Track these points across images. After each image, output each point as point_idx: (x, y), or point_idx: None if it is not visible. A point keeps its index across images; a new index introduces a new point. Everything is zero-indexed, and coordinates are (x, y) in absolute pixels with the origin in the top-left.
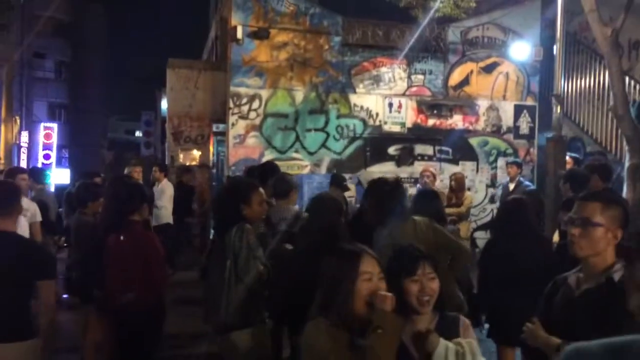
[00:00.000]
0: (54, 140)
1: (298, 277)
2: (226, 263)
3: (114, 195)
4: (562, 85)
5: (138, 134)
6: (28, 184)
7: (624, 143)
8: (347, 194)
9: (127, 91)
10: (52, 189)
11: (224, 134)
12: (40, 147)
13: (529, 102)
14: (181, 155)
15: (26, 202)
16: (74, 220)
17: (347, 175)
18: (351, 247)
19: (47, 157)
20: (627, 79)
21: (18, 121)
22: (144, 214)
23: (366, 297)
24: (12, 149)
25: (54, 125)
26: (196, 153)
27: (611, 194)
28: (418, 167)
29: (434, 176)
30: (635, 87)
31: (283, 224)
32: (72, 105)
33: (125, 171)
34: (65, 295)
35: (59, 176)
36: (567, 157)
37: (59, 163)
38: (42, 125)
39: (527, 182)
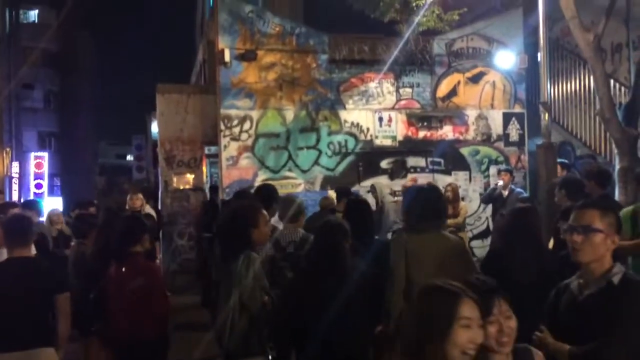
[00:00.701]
0: (45, 169)
1: (299, 301)
2: (232, 291)
3: (113, 228)
4: (549, 91)
5: (129, 157)
6: None
7: (613, 146)
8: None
9: (117, 116)
10: (45, 219)
11: (216, 156)
12: (32, 176)
13: (517, 109)
14: (175, 180)
15: None
16: (73, 251)
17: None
18: (449, 286)
19: (38, 186)
20: (611, 82)
21: (9, 152)
22: (145, 245)
23: (462, 347)
24: (3, 181)
25: (45, 155)
26: (190, 176)
27: (606, 201)
28: (411, 179)
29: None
30: (620, 89)
31: (291, 246)
32: (61, 133)
33: (127, 200)
34: None
35: (52, 205)
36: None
37: (51, 192)
38: (32, 154)
39: (519, 189)
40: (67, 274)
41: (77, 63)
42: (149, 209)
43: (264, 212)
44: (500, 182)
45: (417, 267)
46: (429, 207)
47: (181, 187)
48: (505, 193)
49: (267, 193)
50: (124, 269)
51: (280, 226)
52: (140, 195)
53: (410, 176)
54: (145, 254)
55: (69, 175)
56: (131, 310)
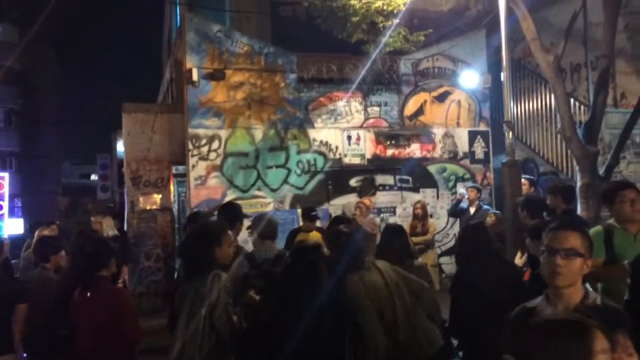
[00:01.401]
0: (6, 189)
1: (271, 320)
2: (200, 311)
3: (80, 252)
4: (512, 109)
5: (94, 177)
6: None
7: (575, 163)
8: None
9: (81, 135)
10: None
11: (184, 175)
12: None
13: (482, 127)
14: (141, 200)
15: None
16: (36, 276)
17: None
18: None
19: None
20: (572, 101)
21: None
22: (111, 269)
23: None
24: None
25: (5, 175)
26: (157, 197)
27: (578, 219)
28: (380, 197)
29: (367, 207)
30: (580, 108)
31: (267, 263)
32: (23, 152)
33: (92, 221)
34: (24, 354)
35: (12, 226)
36: (523, 179)
37: (12, 213)
38: None
39: (486, 206)
40: (27, 289)
41: (40, 81)
42: (112, 230)
43: (229, 232)
44: (462, 190)
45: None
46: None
47: (148, 208)
48: (473, 210)
49: (232, 211)
50: (88, 294)
51: (248, 245)
52: (99, 218)
53: (385, 193)
54: (111, 277)
55: (31, 195)
56: (97, 336)
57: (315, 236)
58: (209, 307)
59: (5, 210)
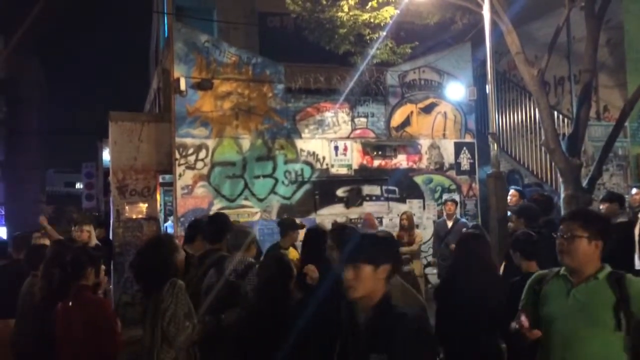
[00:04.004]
0: None
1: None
2: (157, 322)
3: (58, 262)
4: (497, 121)
5: (79, 185)
6: None
7: (559, 175)
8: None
9: (66, 143)
10: None
11: (170, 184)
12: None
13: (468, 139)
14: (127, 209)
15: None
16: (25, 285)
17: (297, 220)
18: None
19: None
20: (555, 113)
21: None
22: (89, 278)
23: None
24: None
25: None
26: (143, 205)
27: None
28: (367, 207)
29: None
30: (564, 121)
31: (233, 275)
32: (7, 161)
33: (73, 230)
34: None
35: None
36: (513, 190)
37: None
38: None
39: (463, 220)
40: None
41: (25, 90)
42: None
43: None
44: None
45: None
46: None
47: (134, 217)
48: (450, 223)
49: (221, 222)
50: (70, 304)
51: None
52: (86, 227)
53: (372, 203)
54: (92, 287)
55: (15, 204)
56: (76, 346)
57: (292, 255)
58: (166, 317)
59: None
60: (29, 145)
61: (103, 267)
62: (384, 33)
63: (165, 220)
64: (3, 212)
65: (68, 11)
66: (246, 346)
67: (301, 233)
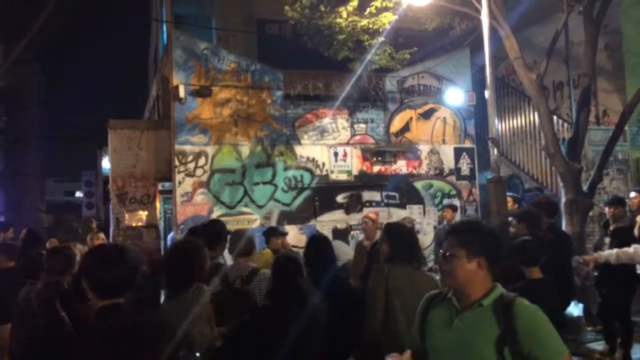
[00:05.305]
0: None
1: (271, 335)
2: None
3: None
4: (497, 127)
5: (78, 194)
6: None
7: (559, 179)
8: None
9: (65, 152)
10: None
11: (170, 192)
12: None
13: (467, 144)
14: (127, 217)
15: None
16: (23, 294)
17: (297, 226)
18: None
19: None
20: (555, 118)
21: None
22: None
23: None
24: None
25: None
26: (142, 213)
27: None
28: (367, 213)
29: (373, 221)
30: (563, 125)
31: (238, 281)
32: (6, 170)
33: (88, 239)
34: None
35: None
36: (507, 197)
37: None
38: None
39: None
40: None
41: (24, 98)
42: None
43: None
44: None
45: (398, 299)
46: (412, 242)
47: (134, 224)
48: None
49: (215, 229)
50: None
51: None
52: (102, 235)
53: (372, 209)
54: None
55: (15, 212)
56: None
57: (265, 254)
58: (191, 320)
59: None
60: (28, 153)
61: None
62: (383, 39)
63: (169, 231)
64: (2, 221)
65: (68, 20)
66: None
67: (295, 239)
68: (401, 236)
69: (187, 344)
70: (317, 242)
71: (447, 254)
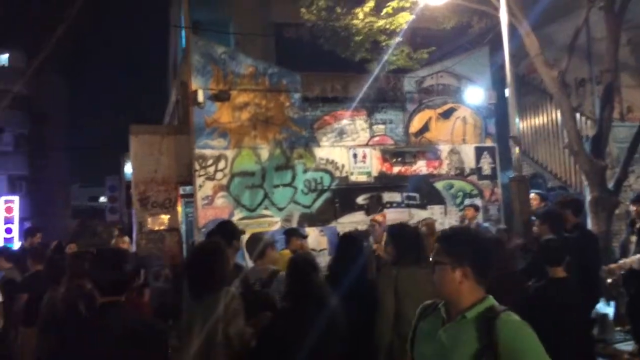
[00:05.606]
0: (16, 213)
1: (289, 337)
2: (215, 327)
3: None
4: (518, 125)
5: (102, 199)
6: None
7: (583, 177)
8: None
9: (89, 158)
10: None
11: (191, 195)
12: (2, 221)
13: (488, 143)
14: (149, 221)
15: None
16: (47, 300)
17: (318, 228)
18: None
19: (8, 231)
20: (577, 115)
21: None
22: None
23: None
24: None
25: (15, 198)
26: (164, 217)
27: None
28: (387, 214)
29: (380, 224)
30: (586, 122)
31: (258, 283)
32: (32, 176)
33: (113, 243)
34: None
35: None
36: (533, 194)
37: (22, 236)
38: (2, 199)
39: (485, 224)
40: None
41: (48, 106)
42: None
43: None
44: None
45: (407, 301)
46: (417, 242)
47: (156, 228)
48: None
49: (228, 230)
50: None
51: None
52: (127, 239)
53: (383, 212)
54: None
55: (41, 218)
56: None
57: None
58: (224, 323)
59: (15, 233)
60: (53, 160)
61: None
62: (400, 39)
63: (191, 234)
64: (31, 226)
65: (89, 27)
66: (286, 342)
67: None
68: (405, 237)
69: (219, 345)
70: (344, 241)
71: (433, 262)
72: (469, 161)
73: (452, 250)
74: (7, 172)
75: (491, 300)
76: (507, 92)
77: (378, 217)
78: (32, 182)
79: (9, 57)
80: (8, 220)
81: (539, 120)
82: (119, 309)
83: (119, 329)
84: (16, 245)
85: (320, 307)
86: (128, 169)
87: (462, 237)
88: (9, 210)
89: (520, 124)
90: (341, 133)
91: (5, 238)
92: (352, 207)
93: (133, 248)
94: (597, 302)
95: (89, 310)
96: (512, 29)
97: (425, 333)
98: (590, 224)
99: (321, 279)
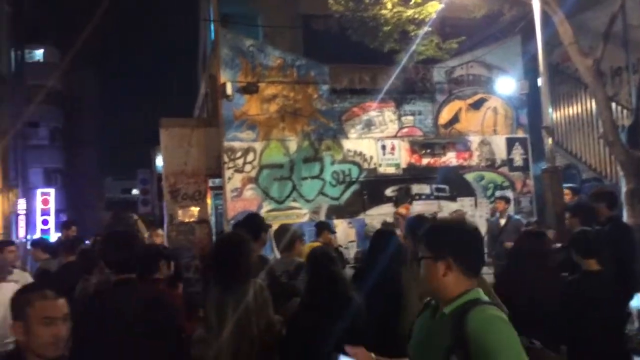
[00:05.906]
0: (52, 205)
1: (310, 333)
2: (246, 318)
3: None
4: (551, 115)
5: (135, 191)
6: (17, 255)
7: (619, 168)
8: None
9: (122, 151)
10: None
11: (220, 188)
12: (38, 213)
13: (520, 134)
14: (180, 213)
15: (17, 273)
16: (79, 290)
17: (346, 220)
18: None
19: (45, 222)
20: (613, 105)
21: (15, 190)
22: (163, 272)
23: None
24: (10, 218)
25: (51, 191)
26: (194, 209)
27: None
28: (417, 206)
29: (404, 217)
30: (622, 112)
31: (285, 275)
32: (67, 169)
33: (147, 238)
34: None
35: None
36: (565, 189)
37: (58, 228)
38: (38, 191)
39: (516, 217)
40: None
41: (82, 100)
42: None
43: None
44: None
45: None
46: None
47: (186, 220)
48: (503, 221)
49: (255, 223)
50: None
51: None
52: (160, 232)
53: (406, 204)
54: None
55: (76, 210)
56: None
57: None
58: (256, 313)
59: (52, 225)
60: (87, 154)
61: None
62: (429, 29)
63: (220, 226)
64: (65, 219)
65: (120, 22)
66: (313, 339)
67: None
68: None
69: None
70: (377, 236)
71: (419, 258)
72: (500, 152)
73: (433, 243)
74: (43, 165)
75: (475, 294)
76: (539, 81)
77: (401, 210)
78: (66, 175)
79: (44, 53)
80: (44, 212)
81: (573, 110)
82: (132, 285)
83: (133, 303)
84: (53, 236)
85: (339, 300)
86: (159, 161)
87: (441, 230)
88: (45, 202)
89: (554, 114)
90: (369, 125)
91: (42, 229)
92: (381, 199)
93: (165, 240)
94: (632, 296)
95: None
96: (545, 16)
97: (417, 327)
98: (625, 217)
99: (340, 272)
